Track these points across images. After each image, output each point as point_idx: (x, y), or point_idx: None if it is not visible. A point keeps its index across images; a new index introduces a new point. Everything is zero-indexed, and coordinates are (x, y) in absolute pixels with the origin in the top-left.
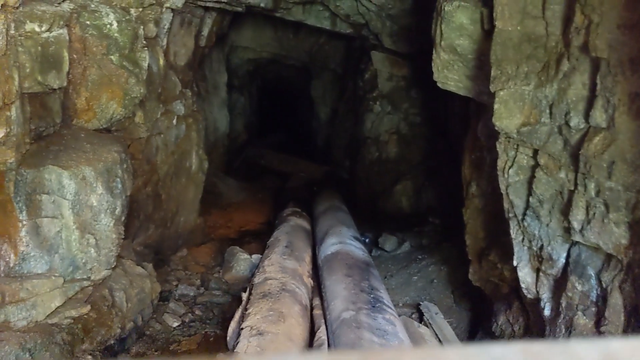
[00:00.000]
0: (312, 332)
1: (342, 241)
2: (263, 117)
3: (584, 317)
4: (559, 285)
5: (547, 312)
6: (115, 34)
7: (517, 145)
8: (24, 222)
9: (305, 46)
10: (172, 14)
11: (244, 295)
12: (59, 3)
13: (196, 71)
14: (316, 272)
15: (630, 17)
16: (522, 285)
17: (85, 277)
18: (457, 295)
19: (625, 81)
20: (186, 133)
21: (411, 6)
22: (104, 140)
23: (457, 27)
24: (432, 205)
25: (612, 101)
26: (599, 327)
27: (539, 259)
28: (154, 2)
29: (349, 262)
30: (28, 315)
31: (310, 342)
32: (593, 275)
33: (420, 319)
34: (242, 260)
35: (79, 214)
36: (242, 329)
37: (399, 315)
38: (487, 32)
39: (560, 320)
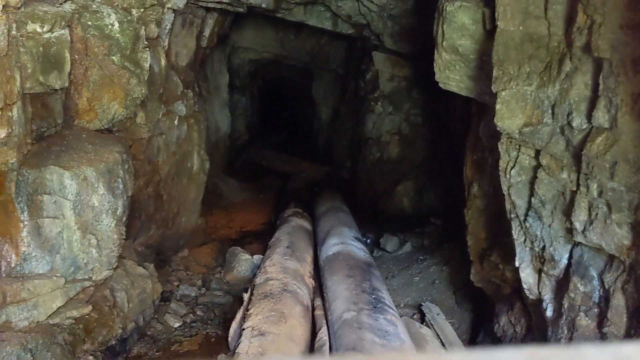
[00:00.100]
0: (314, 333)
1: (344, 242)
2: (264, 118)
3: (586, 318)
4: (561, 286)
5: (549, 313)
6: (117, 35)
7: (519, 145)
8: (26, 223)
9: (307, 47)
10: (173, 15)
11: (245, 296)
12: (61, 3)
13: (198, 72)
14: (317, 273)
15: (632, 17)
16: (524, 286)
17: (86, 277)
18: (458, 296)
19: (627, 81)
20: (187, 133)
21: (412, 6)
22: (106, 141)
23: (458, 27)
24: (434, 206)
25: (615, 101)
26: (601, 329)
27: (541, 260)
28: (156, 2)
29: (350, 262)
30: (29, 315)
31: (312, 343)
32: (595, 276)
33: (422, 319)
34: (243, 261)
35: (80, 215)
36: (243, 329)
37: (401, 316)
38: (489, 32)
39: (562, 321)
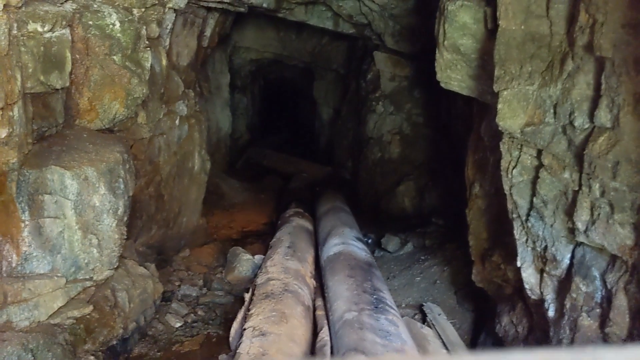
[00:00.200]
0: (315, 333)
1: (345, 242)
2: (265, 118)
3: (589, 319)
4: (563, 286)
5: (551, 313)
6: (118, 34)
7: (521, 145)
8: (27, 223)
9: (308, 46)
10: (174, 15)
11: (247, 296)
12: (62, 3)
13: (199, 72)
14: (319, 273)
15: (634, 17)
16: (526, 286)
17: (87, 277)
18: (460, 296)
19: (630, 81)
20: (189, 133)
21: (414, 6)
22: (107, 141)
23: (460, 26)
24: (435, 206)
25: (617, 101)
26: (603, 329)
27: (543, 260)
28: (157, 2)
29: (351, 263)
30: (30, 315)
31: (313, 343)
32: (598, 276)
33: (423, 319)
34: (244, 261)
35: (81, 214)
36: (244, 329)
37: (402, 316)
38: (491, 31)
39: (564, 322)
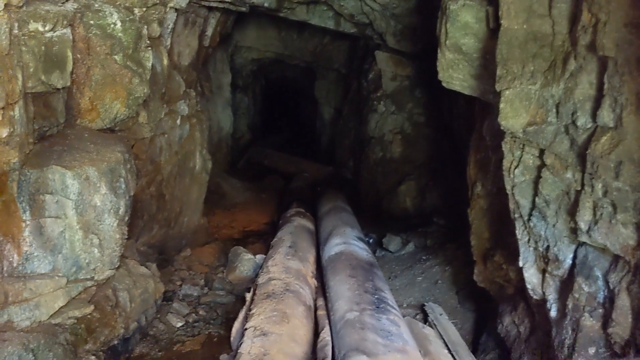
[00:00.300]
0: (316, 333)
1: (346, 242)
2: (267, 117)
3: (591, 319)
4: (566, 286)
5: (553, 313)
6: (119, 34)
7: (523, 145)
8: (28, 222)
9: (309, 46)
10: (176, 14)
11: (248, 296)
12: (63, 3)
13: (200, 71)
14: (320, 273)
15: (637, 16)
16: (528, 286)
17: (88, 277)
18: (461, 296)
19: (632, 80)
20: (190, 133)
21: (415, 5)
22: (108, 140)
23: (462, 26)
24: (437, 206)
25: (620, 100)
26: (606, 329)
27: (545, 260)
28: (158, 1)
29: (352, 262)
30: (31, 315)
31: (314, 343)
32: (600, 276)
33: (425, 319)
34: (245, 261)
35: (82, 214)
36: (245, 329)
37: (403, 316)
38: (493, 30)
39: (566, 322)
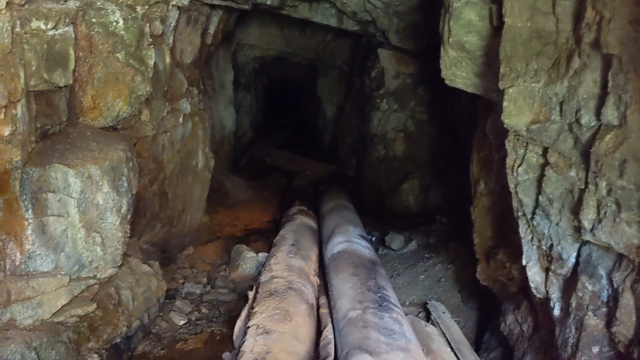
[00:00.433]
0: (319, 331)
1: (349, 240)
2: (269, 115)
3: (595, 318)
4: (569, 285)
5: (556, 312)
6: (122, 32)
7: (527, 143)
8: (30, 221)
9: (312, 44)
10: (178, 12)
11: (250, 294)
12: (65, 1)
13: (202, 69)
14: (322, 271)
15: None
16: (531, 285)
17: (91, 275)
18: (464, 294)
19: (637, 78)
20: (192, 131)
21: (418, 3)
22: (110, 139)
23: (465, 23)
24: (439, 204)
25: (624, 98)
26: (609, 328)
27: (549, 259)
28: None
29: (355, 261)
30: (34, 313)
31: (317, 341)
32: (604, 275)
33: (428, 318)
34: (248, 259)
35: (84, 213)
36: (248, 327)
37: (406, 314)
38: (496, 28)
39: (570, 321)
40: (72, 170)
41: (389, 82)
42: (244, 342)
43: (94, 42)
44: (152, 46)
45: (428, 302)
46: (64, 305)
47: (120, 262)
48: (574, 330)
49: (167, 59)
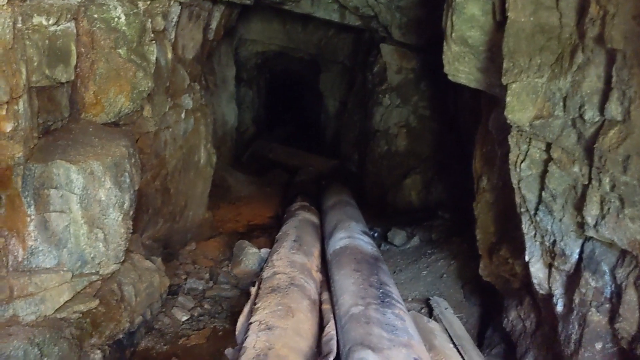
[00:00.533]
0: (321, 327)
1: (351, 235)
2: (271, 111)
3: (598, 314)
4: (572, 281)
5: (559, 308)
6: (123, 28)
7: (530, 138)
8: (32, 217)
9: (314, 39)
10: (180, 7)
11: (253, 290)
12: None
13: (204, 65)
14: (325, 267)
15: None
16: (534, 281)
17: (93, 271)
18: (467, 290)
19: None
20: (194, 127)
21: None
22: (112, 135)
23: (468, 18)
24: (442, 200)
25: (628, 94)
26: (612, 324)
27: (552, 255)
28: None
29: (357, 256)
30: (37, 309)
31: (319, 337)
32: (607, 271)
33: (430, 314)
34: (250, 254)
35: (87, 209)
36: (250, 323)
37: (408, 310)
38: (499, 23)
39: (573, 317)
40: (74, 166)
41: (392, 77)
42: (246, 337)
43: (95, 38)
44: (154, 42)
45: (430, 298)
46: (66, 302)
47: (123, 258)
48: (576, 327)
49: (169, 55)
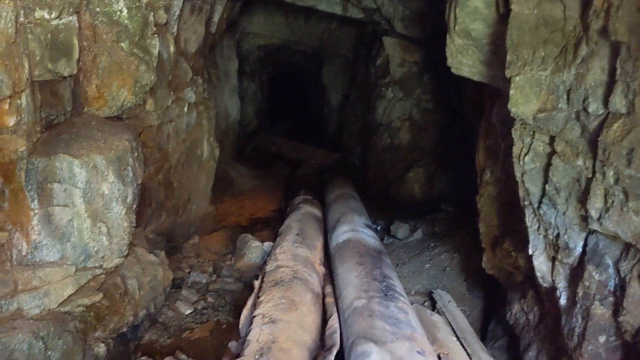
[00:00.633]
0: (324, 320)
1: (354, 229)
2: (274, 104)
3: (601, 307)
4: (576, 274)
5: (563, 301)
6: (125, 21)
7: (533, 131)
8: (36, 211)
9: (317, 32)
10: (182, 0)
11: (256, 283)
12: None
13: (207, 58)
14: (328, 260)
15: None
16: (538, 274)
17: (97, 265)
18: (470, 283)
19: None
20: (197, 120)
21: None
22: (115, 128)
23: (471, 10)
24: (445, 193)
25: (632, 86)
26: (616, 317)
27: (555, 248)
28: None
29: (360, 250)
30: (41, 303)
31: (322, 330)
32: (611, 264)
33: (433, 307)
34: (253, 248)
35: (90, 203)
36: (254, 316)
37: (412, 303)
38: (503, 15)
39: (576, 310)
40: (77, 160)
41: (394, 70)
42: (249, 331)
43: (98, 32)
44: (156, 35)
45: (433, 291)
46: (70, 295)
47: (127, 251)
48: (580, 320)
49: (172, 48)
